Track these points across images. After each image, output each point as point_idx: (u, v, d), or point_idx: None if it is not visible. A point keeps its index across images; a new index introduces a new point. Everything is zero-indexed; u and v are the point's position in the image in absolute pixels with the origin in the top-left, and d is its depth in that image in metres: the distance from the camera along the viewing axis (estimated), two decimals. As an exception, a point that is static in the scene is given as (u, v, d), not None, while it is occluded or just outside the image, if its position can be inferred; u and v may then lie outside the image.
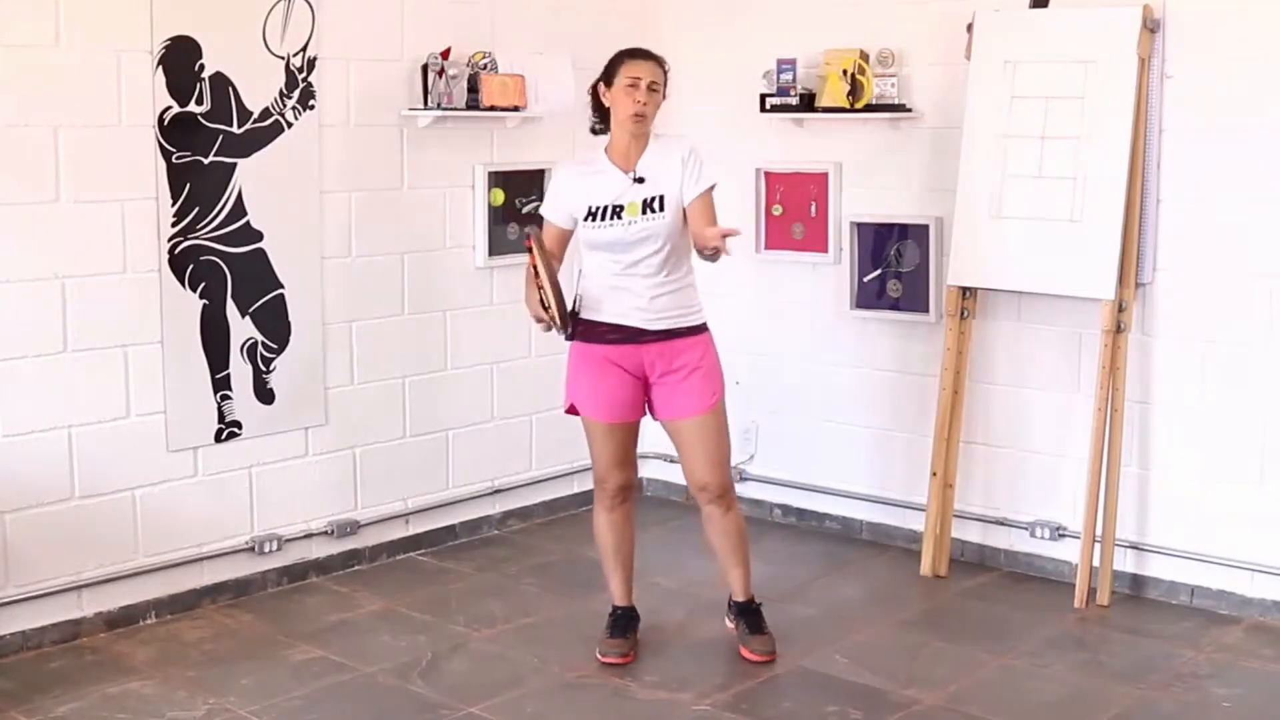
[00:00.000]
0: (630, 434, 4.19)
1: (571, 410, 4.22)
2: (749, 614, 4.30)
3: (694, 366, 4.08)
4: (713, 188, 4.07)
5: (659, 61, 4.10)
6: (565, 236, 4.19)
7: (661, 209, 4.02)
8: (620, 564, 4.31)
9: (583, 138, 5.55)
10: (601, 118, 4.18)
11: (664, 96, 4.13)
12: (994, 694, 4.00)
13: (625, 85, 4.03)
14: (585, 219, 4.07)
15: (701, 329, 4.14)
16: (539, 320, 4.07)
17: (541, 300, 4.00)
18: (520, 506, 5.65)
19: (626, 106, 4.02)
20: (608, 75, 4.10)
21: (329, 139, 4.86)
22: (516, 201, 5.43)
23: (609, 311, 4.07)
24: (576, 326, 4.11)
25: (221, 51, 4.53)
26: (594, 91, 4.16)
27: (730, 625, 4.39)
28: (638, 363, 4.09)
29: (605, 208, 4.05)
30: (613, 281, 4.06)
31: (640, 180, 4.05)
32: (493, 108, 5.17)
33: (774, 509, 5.73)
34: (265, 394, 4.76)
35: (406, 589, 4.89)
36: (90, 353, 4.33)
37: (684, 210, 4.05)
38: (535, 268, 3.93)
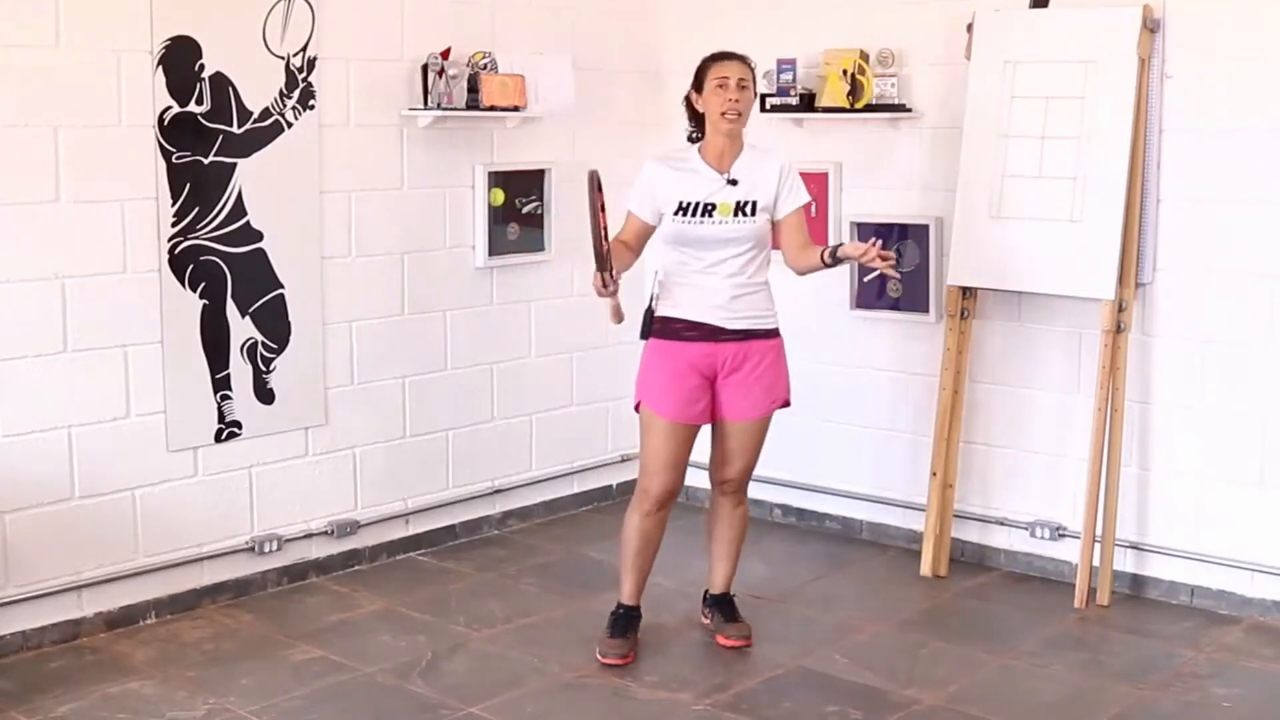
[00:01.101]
0: (690, 438, 4.20)
1: (638, 407, 4.23)
2: (724, 604, 4.40)
3: (763, 370, 4.16)
4: (808, 204, 4.22)
5: (745, 60, 4.16)
6: (646, 233, 4.20)
7: (753, 214, 4.10)
8: (639, 567, 4.30)
9: (583, 137, 5.61)
10: (697, 125, 4.22)
11: (755, 95, 4.19)
12: (994, 694, 4.00)
13: (715, 86, 4.09)
14: (675, 213, 4.10)
15: (775, 333, 4.22)
16: (603, 271, 3.93)
17: (603, 244, 3.93)
18: (520, 506, 5.65)
19: (718, 105, 4.08)
20: (697, 81, 4.17)
21: (329, 139, 4.86)
22: (516, 201, 5.43)
23: (687, 309, 4.11)
24: (653, 324, 4.15)
25: (221, 51, 4.53)
26: (687, 101, 4.22)
27: (705, 619, 4.48)
28: (712, 362, 4.13)
29: (697, 204, 4.09)
30: (693, 279, 4.12)
31: (734, 182, 4.10)
32: (493, 108, 5.17)
33: (774, 509, 5.73)
34: (265, 394, 4.76)
35: (406, 589, 4.89)
36: (90, 353, 4.33)
37: (773, 220, 4.16)
38: (601, 207, 3.90)
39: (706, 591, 4.49)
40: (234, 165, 4.60)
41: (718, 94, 4.09)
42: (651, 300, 4.17)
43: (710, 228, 4.08)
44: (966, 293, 4.94)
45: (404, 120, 5.07)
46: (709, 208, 4.08)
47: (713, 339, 4.11)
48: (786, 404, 4.32)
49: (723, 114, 4.08)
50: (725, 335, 4.11)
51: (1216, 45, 4.51)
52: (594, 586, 4.82)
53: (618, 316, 4.03)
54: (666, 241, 4.16)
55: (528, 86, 5.26)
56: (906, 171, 5.25)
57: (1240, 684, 4.09)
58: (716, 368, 4.14)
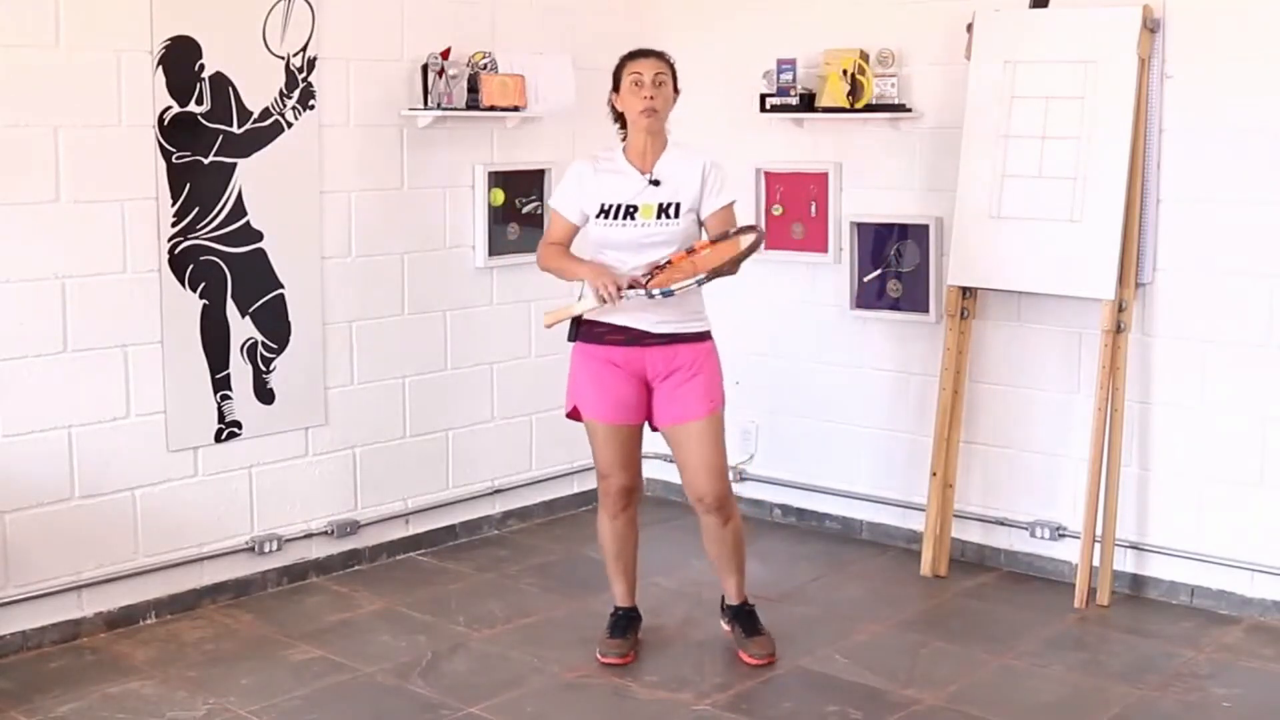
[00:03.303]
0: (632, 437, 4.16)
1: (573, 415, 4.20)
2: (744, 616, 4.28)
3: (694, 372, 4.06)
4: (732, 203, 4.11)
5: (661, 56, 4.11)
6: (573, 232, 4.17)
7: (676, 215, 4.03)
8: (623, 569, 4.30)
9: (583, 138, 5.60)
10: (622, 126, 4.17)
11: (676, 90, 4.13)
12: (994, 694, 4.00)
13: (630, 84, 4.05)
14: (598, 216, 4.06)
15: (705, 336, 4.12)
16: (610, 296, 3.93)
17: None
18: (520, 506, 5.65)
19: (635, 104, 4.03)
20: (615, 81, 4.13)
21: (329, 139, 4.86)
22: (516, 201, 5.43)
23: (613, 313, 4.03)
24: (579, 327, 4.10)
25: (221, 51, 4.53)
26: (610, 103, 4.17)
27: (726, 629, 4.37)
28: (640, 366, 4.06)
29: (619, 206, 4.04)
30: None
31: (656, 183, 4.05)
32: (493, 108, 5.17)
33: (774, 509, 5.73)
34: (265, 394, 4.76)
35: (406, 589, 4.89)
36: (90, 353, 4.33)
37: (699, 221, 4.08)
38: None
39: (724, 599, 4.37)
40: (234, 165, 4.60)
41: (633, 91, 4.03)
42: (578, 302, 4.09)
43: (631, 231, 4.01)
44: (966, 293, 4.94)
45: (404, 120, 5.07)
46: (630, 210, 4.02)
47: (638, 344, 4.03)
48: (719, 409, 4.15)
49: (640, 111, 4.02)
50: (651, 339, 4.02)
51: (1216, 45, 4.51)
52: (594, 586, 4.82)
53: (552, 321, 4.10)
54: (592, 244, 4.11)
55: (528, 86, 5.26)
56: (906, 171, 5.25)
57: (1240, 684, 4.09)
58: (646, 372, 4.06)
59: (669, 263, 3.99)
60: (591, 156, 4.20)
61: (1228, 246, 4.55)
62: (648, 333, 4.03)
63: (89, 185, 4.27)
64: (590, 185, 4.09)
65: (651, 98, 4.02)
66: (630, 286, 3.94)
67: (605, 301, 3.93)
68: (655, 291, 3.90)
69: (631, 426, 4.14)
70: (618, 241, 4.04)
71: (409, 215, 5.15)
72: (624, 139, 4.17)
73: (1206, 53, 4.53)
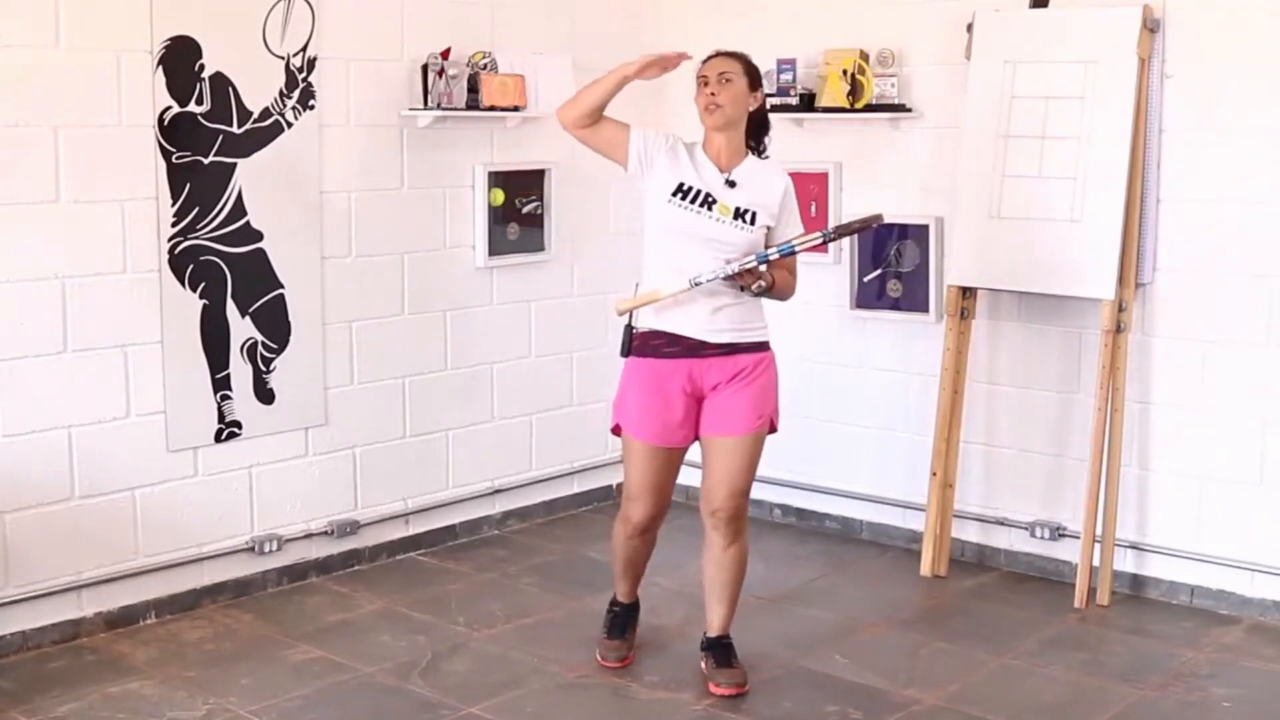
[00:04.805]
0: (671, 463, 3.99)
1: (616, 430, 4.05)
2: (720, 649, 4.06)
3: (749, 381, 3.89)
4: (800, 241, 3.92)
5: (734, 55, 3.95)
6: (623, 131, 3.90)
7: (752, 223, 3.88)
8: (632, 575, 4.26)
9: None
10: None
11: (752, 88, 3.94)
12: (994, 694, 4.00)
13: (699, 85, 3.93)
14: (674, 194, 3.86)
15: (764, 346, 3.96)
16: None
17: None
18: (520, 506, 5.65)
19: (700, 101, 3.91)
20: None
21: (329, 139, 4.86)
22: (516, 201, 5.43)
23: (667, 320, 3.88)
24: (633, 341, 3.93)
25: (221, 51, 4.53)
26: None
27: (702, 665, 4.09)
28: (698, 380, 3.89)
29: (698, 191, 3.87)
30: (675, 288, 3.83)
31: (732, 184, 3.91)
32: (493, 108, 5.17)
33: (774, 509, 5.73)
34: (265, 394, 4.76)
35: (406, 589, 4.89)
36: (90, 353, 4.33)
37: (766, 240, 3.92)
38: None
39: (705, 634, 4.12)
40: (234, 165, 4.60)
41: (700, 92, 3.92)
42: (632, 314, 3.94)
43: (706, 222, 3.84)
44: (966, 293, 4.94)
45: (404, 120, 5.07)
46: (710, 200, 3.86)
47: (695, 354, 3.87)
48: (774, 428, 4.02)
49: (704, 108, 3.90)
50: (708, 350, 3.87)
51: (1216, 45, 4.51)
52: (594, 586, 4.82)
53: (627, 307, 3.90)
54: (657, 231, 3.92)
55: (528, 86, 5.26)
56: (906, 171, 5.25)
57: (1240, 684, 4.09)
58: (701, 385, 3.89)
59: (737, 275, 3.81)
60: (680, 139, 3.99)
61: (1228, 246, 4.55)
62: (705, 342, 3.87)
63: (89, 185, 4.27)
64: (674, 159, 3.90)
65: (714, 94, 3.87)
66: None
67: (662, 64, 3.80)
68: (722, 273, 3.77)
69: (673, 450, 3.97)
70: (689, 228, 3.85)
71: (409, 215, 5.15)
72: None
73: (1206, 53, 4.53)
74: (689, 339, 3.88)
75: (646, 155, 3.92)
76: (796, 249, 3.88)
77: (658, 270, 3.92)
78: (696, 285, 3.81)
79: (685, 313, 3.87)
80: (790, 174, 5.44)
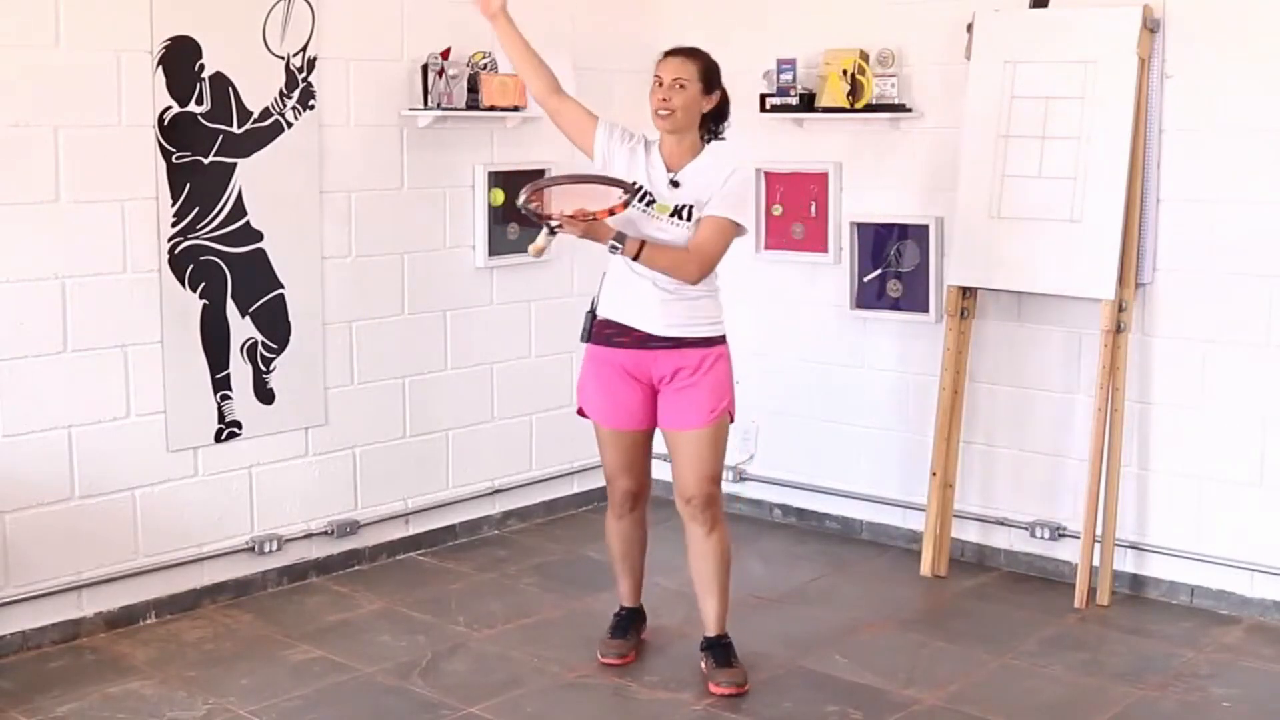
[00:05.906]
0: (637, 443, 4.09)
1: (581, 412, 4.17)
2: (719, 649, 4.06)
3: (698, 378, 3.95)
4: (736, 225, 3.91)
5: (690, 56, 3.95)
6: (584, 115, 4.03)
7: (688, 219, 3.90)
8: (628, 569, 4.29)
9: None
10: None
11: (707, 91, 3.96)
12: (994, 694, 4.00)
13: (654, 84, 3.95)
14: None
15: (714, 341, 3.99)
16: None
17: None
18: (520, 506, 5.65)
19: (652, 103, 3.94)
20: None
21: (329, 139, 4.86)
22: (516, 201, 5.42)
23: (621, 310, 3.96)
24: (593, 328, 4.04)
25: (221, 51, 4.53)
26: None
27: (702, 666, 4.09)
28: (647, 370, 3.98)
29: (644, 191, 3.91)
30: (628, 278, 3.93)
31: (675, 184, 3.94)
32: (493, 108, 5.17)
33: (774, 509, 5.73)
34: (265, 394, 4.76)
35: (406, 589, 4.89)
36: (90, 353, 4.33)
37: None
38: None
39: (703, 634, 4.12)
40: (234, 165, 4.60)
41: (654, 92, 3.93)
42: (594, 302, 4.05)
43: (644, 219, 3.88)
44: (966, 293, 4.94)
45: (404, 120, 5.07)
46: (651, 199, 3.91)
47: (644, 346, 3.94)
48: (730, 418, 4.04)
49: (656, 111, 3.92)
50: (656, 343, 3.92)
51: (1216, 45, 4.51)
52: (594, 586, 4.82)
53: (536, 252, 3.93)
54: (612, 223, 3.88)
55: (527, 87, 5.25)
56: (906, 171, 5.25)
57: (1240, 684, 4.09)
58: (651, 376, 3.97)
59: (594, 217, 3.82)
60: (641, 135, 4.05)
61: (1228, 246, 4.55)
62: (654, 335, 3.94)
63: (89, 185, 4.27)
64: (629, 157, 3.98)
65: (666, 99, 3.90)
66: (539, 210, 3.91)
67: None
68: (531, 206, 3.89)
69: (637, 432, 4.07)
70: (631, 224, 3.88)
71: (409, 215, 5.15)
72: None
73: (1206, 53, 4.53)
74: (638, 331, 3.96)
75: (609, 151, 4.02)
76: (596, 215, 3.81)
77: (617, 266, 3.97)
78: (552, 234, 3.88)
79: (635, 304, 3.94)
80: (790, 174, 5.41)
